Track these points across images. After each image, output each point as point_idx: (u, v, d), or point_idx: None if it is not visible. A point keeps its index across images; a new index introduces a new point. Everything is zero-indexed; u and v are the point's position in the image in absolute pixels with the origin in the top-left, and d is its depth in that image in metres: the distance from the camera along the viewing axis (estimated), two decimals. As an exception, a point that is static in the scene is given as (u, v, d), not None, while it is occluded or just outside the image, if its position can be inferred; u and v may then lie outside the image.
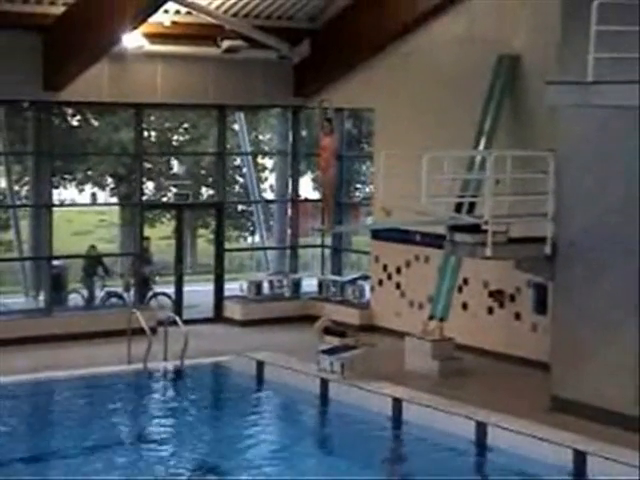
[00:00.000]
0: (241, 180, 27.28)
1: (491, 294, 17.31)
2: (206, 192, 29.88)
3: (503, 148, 15.77)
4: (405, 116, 18.72)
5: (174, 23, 18.55)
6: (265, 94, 20.31)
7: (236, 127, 23.34)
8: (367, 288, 20.13)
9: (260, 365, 16.50)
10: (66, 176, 29.18)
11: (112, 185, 30.08)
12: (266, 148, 28.05)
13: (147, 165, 27.07)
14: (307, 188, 25.81)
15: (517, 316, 17.00)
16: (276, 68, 20.03)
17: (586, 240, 13.96)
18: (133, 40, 18.22)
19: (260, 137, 28.80)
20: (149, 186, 29.21)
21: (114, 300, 20.95)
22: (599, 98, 11.90)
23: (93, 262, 21.28)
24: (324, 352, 15.88)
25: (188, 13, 18.58)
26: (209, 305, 20.56)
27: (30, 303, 19.84)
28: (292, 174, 21.67)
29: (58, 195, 27.69)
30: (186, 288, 20.39)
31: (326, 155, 18.93)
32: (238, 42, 18.97)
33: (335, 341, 16.08)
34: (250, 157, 24.43)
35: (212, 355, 17.19)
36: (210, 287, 20.67)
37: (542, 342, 15.80)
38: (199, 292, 21.13)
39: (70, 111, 26.33)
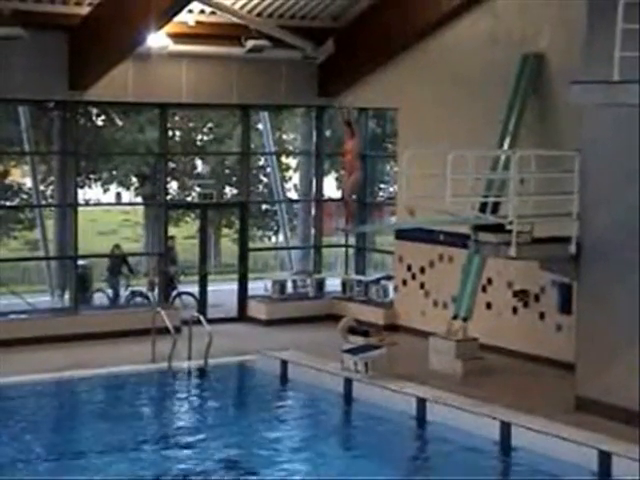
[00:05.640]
0: (265, 180, 27.31)
1: (515, 294, 17.26)
2: (230, 192, 29.91)
3: (527, 147, 15.72)
4: (429, 116, 18.69)
5: (198, 23, 18.60)
6: (289, 94, 20.32)
7: (260, 127, 23.36)
8: (391, 288, 20.12)
9: (284, 364, 16.53)
10: (91, 176, 29.26)
11: (136, 185, 30.17)
12: (290, 148, 28.05)
13: (171, 165, 27.14)
14: (331, 188, 25.79)
15: (541, 316, 16.94)
16: (300, 68, 20.04)
17: (611, 239, 13.90)
18: (158, 40, 18.29)
19: (284, 137, 28.80)
20: (173, 186, 29.28)
21: (139, 299, 21.02)
22: (625, 97, 11.83)
23: (118, 261, 21.35)
24: (348, 351, 15.89)
25: (212, 13, 18.62)
26: (233, 304, 20.59)
27: (56, 302, 19.92)
28: (316, 174, 21.67)
29: (83, 195, 27.81)
30: (210, 287, 20.43)
31: (349, 158, 19.00)
32: (262, 42, 18.98)
33: (359, 340, 16.09)
34: (274, 157, 24.42)
35: (236, 354, 17.24)
36: (234, 286, 20.69)
37: (567, 342, 15.74)
38: (223, 291, 21.15)
39: (95, 111, 26.43)
